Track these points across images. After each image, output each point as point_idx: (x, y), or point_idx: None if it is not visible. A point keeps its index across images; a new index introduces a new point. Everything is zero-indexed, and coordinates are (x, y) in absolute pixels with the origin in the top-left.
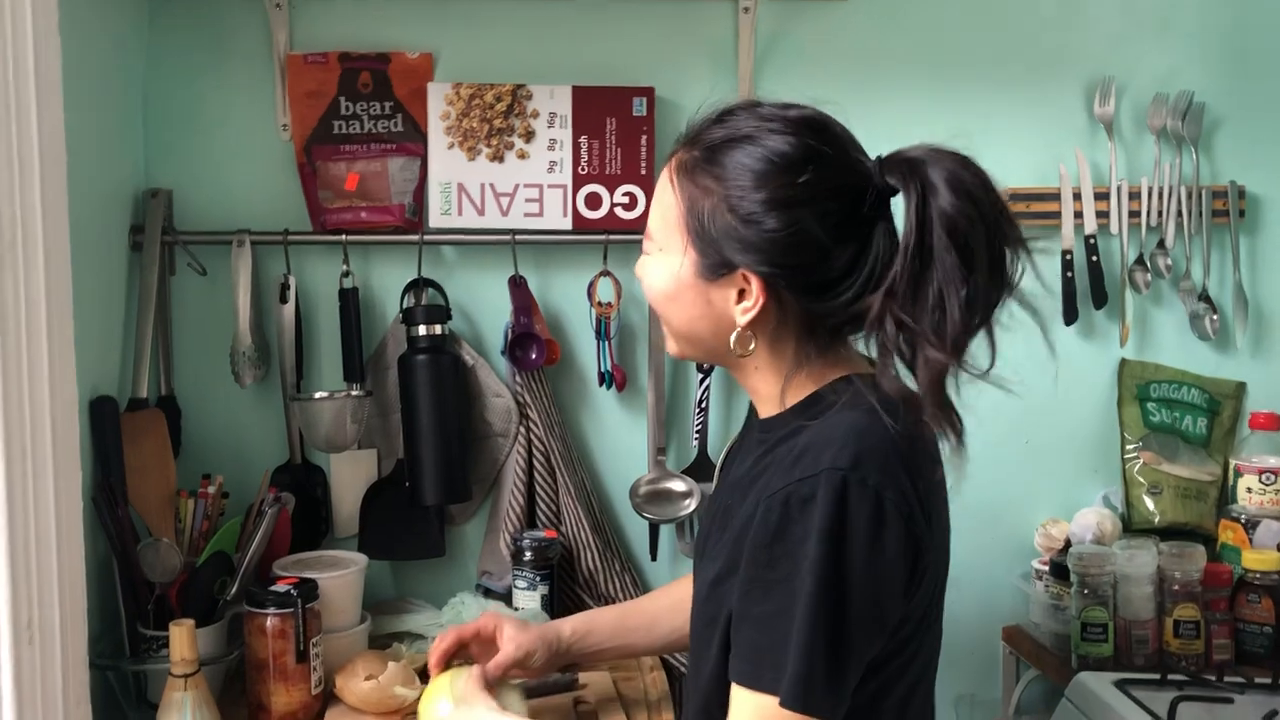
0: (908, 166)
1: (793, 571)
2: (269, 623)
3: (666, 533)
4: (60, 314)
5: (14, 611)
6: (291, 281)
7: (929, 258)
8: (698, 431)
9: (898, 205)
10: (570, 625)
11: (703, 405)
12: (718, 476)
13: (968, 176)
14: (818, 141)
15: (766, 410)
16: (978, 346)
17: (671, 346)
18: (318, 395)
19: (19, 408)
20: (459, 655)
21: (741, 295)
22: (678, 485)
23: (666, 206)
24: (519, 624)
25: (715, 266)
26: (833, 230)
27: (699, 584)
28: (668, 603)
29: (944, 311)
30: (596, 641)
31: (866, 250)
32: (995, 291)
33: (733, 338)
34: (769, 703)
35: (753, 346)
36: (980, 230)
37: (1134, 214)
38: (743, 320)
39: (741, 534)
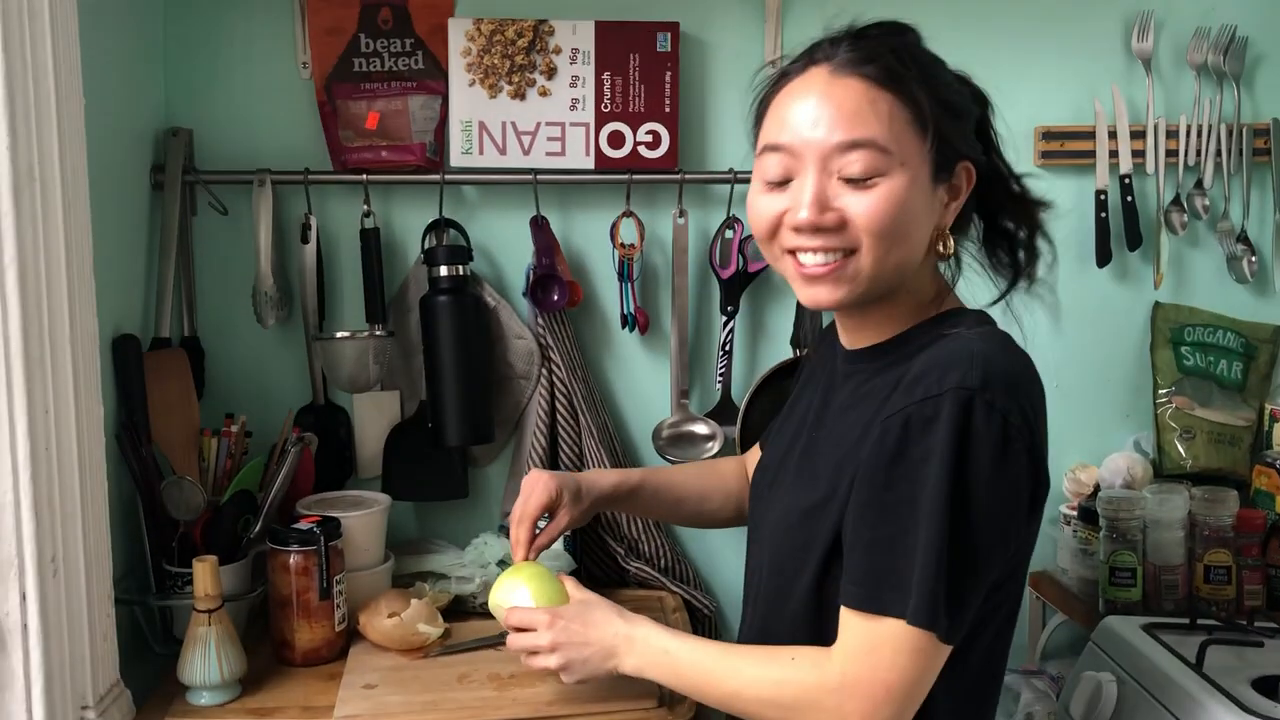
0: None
1: (914, 492)
2: (292, 560)
3: None
4: (80, 251)
5: (39, 544)
6: (313, 221)
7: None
8: (721, 374)
9: None
10: (611, 487)
11: (726, 348)
12: (741, 420)
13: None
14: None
15: (868, 339)
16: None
17: (853, 291)
18: (340, 335)
19: (39, 342)
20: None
21: (951, 192)
22: (700, 428)
23: (890, 117)
24: (573, 495)
25: (948, 163)
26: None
27: (775, 509)
28: (698, 487)
29: (1005, 163)
30: (628, 508)
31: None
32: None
33: (941, 239)
34: (889, 626)
35: (951, 248)
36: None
37: (1171, 153)
38: (949, 219)
39: (846, 459)
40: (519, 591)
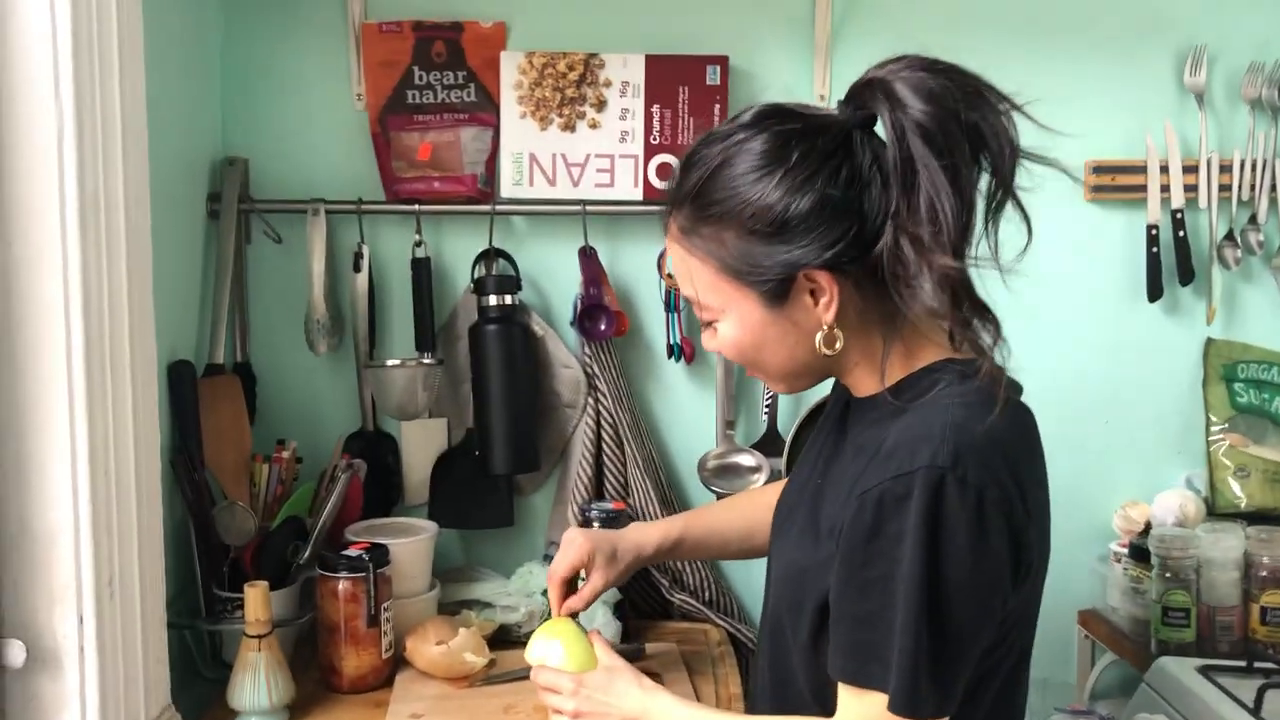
0: (871, 89)
1: (890, 572)
2: (341, 586)
3: None
4: (140, 279)
5: (96, 567)
6: (365, 250)
7: (913, 168)
8: (767, 405)
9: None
10: (654, 547)
11: None
12: (788, 452)
13: (930, 77)
14: (782, 122)
15: (863, 390)
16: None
17: (783, 388)
18: (390, 363)
19: (101, 370)
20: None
21: (814, 297)
22: (746, 459)
23: (698, 274)
24: (608, 557)
25: (777, 288)
26: (851, 184)
27: (782, 559)
28: (742, 527)
29: (939, 216)
30: (674, 559)
31: (888, 185)
32: (977, 177)
33: (818, 339)
34: (879, 699)
35: (840, 345)
36: (954, 126)
37: (1224, 187)
38: (829, 318)
39: (832, 527)
40: (552, 649)
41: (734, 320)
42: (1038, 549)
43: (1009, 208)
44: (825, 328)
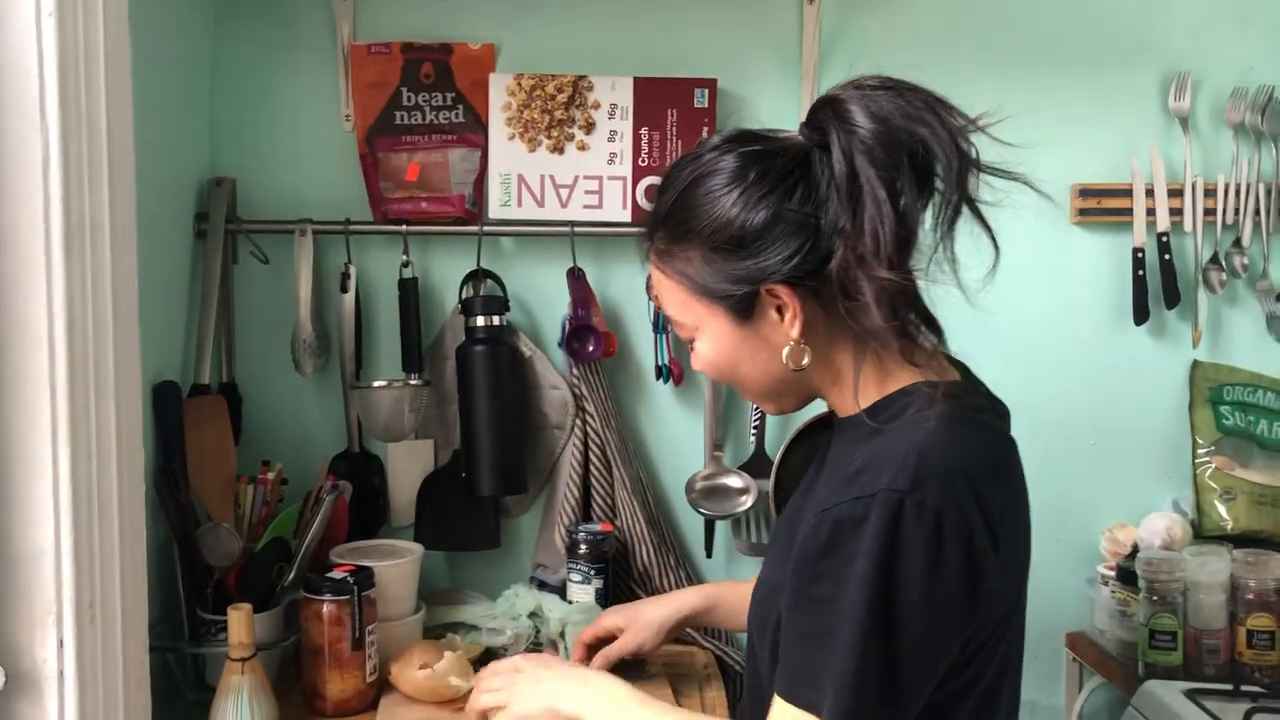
0: (825, 110)
1: (839, 592)
2: (325, 609)
3: (722, 529)
4: (126, 299)
5: (78, 591)
6: (352, 271)
7: (858, 186)
8: (755, 427)
9: None
10: (690, 609)
11: None
12: (775, 474)
13: (881, 95)
14: (743, 144)
15: (843, 410)
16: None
17: (771, 407)
18: (376, 384)
19: (85, 390)
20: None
21: (780, 314)
22: (734, 481)
23: (671, 294)
24: (642, 623)
25: (741, 303)
26: (807, 202)
27: (760, 578)
28: None
29: (880, 229)
30: (709, 623)
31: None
32: (928, 194)
33: (785, 353)
34: None
35: (807, 360)
36: (898, 143)
37: (1209, 211)
38: (794, 333)
39: (798, 546)
40: None
41: (709, 338)
42: (1008, 576)
43: (972, 224)
44: (791, 343)
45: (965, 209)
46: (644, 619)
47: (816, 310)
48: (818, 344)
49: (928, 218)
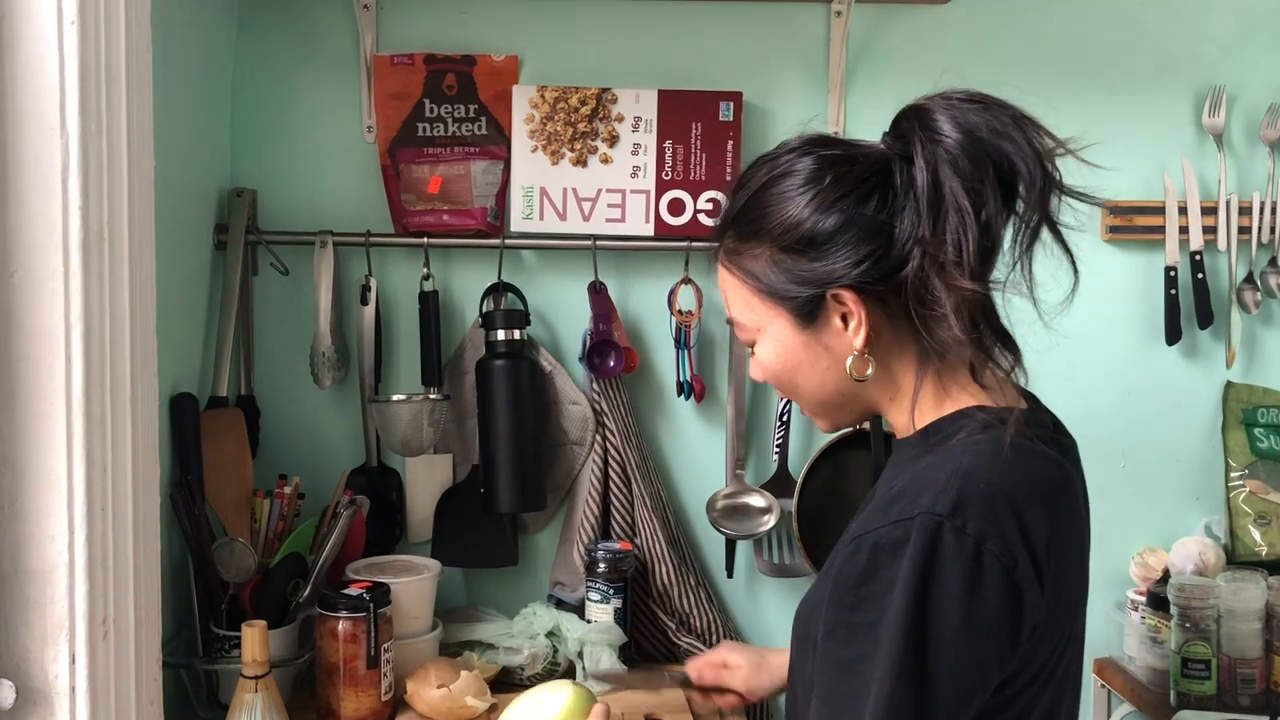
0: (909, 118)
1: (878, 619)
2: (341, 626)
3: (744, 549)
4: (144, 310)
5: (90, 606)
6: (372, 283)
7: (941, 196)
8: (778, 445)
9: None
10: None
11: (784, 418)
12: (799, 494)
13: (969, 108)
14: (823, 147)
15: (900, 430)
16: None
17: (825, 423)
18: (395, 398)
19: (100, 401)
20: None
21: (845, 321)
22: (756, 500)
23: (736, 293)
24: (755, 665)
25: (805, 306)
26: (882, 209)
27: (807, 595)
28: None
29: (962, 241)
30: None
31: (920, 211)
32: (1010, 210)
33: (849, 362)
34: None
35: (870, 370)
36: (984, 156)
37: (1244, 229)
38: (858, 342)
39: (835, 570)
40: (545, 709)
41: (769, 341)
42: (1056, 615)
43: (1051, 244)
44: (855, 352)
45: (1045, 230)
46: (768, 665)
47: (882, 321)
48: (880, 356)
49: (1006, 236)
